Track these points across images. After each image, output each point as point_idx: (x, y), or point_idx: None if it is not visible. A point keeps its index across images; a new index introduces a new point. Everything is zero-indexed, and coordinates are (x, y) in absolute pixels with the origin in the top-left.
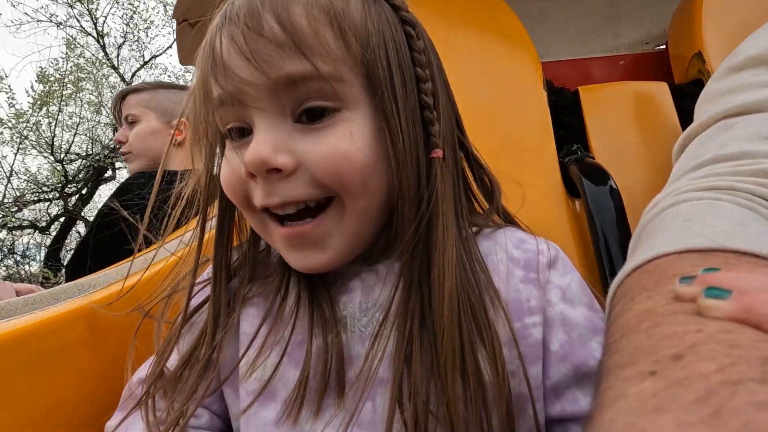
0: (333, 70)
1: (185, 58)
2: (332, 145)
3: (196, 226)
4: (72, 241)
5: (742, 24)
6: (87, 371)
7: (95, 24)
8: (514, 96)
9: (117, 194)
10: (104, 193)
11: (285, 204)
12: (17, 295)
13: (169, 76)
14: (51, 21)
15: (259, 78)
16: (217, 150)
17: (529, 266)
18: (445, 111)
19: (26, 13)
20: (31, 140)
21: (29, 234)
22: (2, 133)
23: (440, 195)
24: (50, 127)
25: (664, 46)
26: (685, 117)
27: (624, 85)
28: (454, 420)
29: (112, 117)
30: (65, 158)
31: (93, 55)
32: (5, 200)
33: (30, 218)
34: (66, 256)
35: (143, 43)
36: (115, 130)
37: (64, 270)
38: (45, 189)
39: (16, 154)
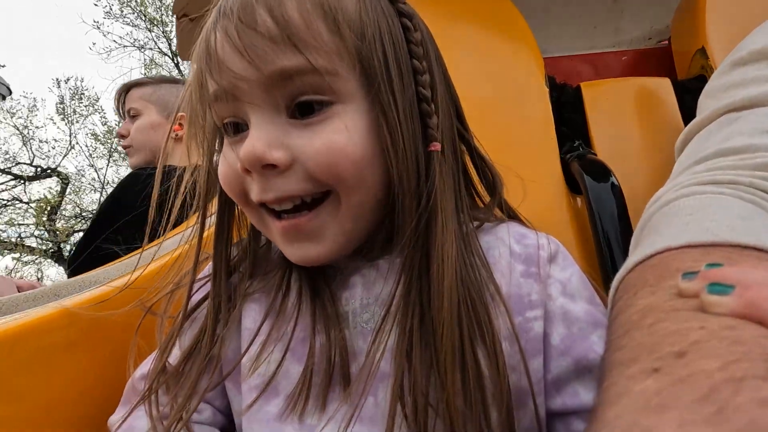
0: (327, 64)
1: (185, 54)
2: (327, 139)
3: (195, 222)
4: None
5: (746, 20)
6: (87, 368)
7: (170, 44)
8: (516, 92)
9: (119, 190)
10: None
11: (281, 199)
12: (18, 291)
13: None
14: (134, 45)
15: (253, 73)
16: (216, 146)
17: (530, 261)
18: (444, 103)
19: (114, 41)
20: (121, 153)
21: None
22: (98, 148)
23: (439, 189)
24: None
25: (666, 42)
26: (688, 113)
27: (626, 81)
28: (453, 414)
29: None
30: None
31: (169, 72)
32: None
33: None
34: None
35: None
36: None
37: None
38: None
39: (107, 165)
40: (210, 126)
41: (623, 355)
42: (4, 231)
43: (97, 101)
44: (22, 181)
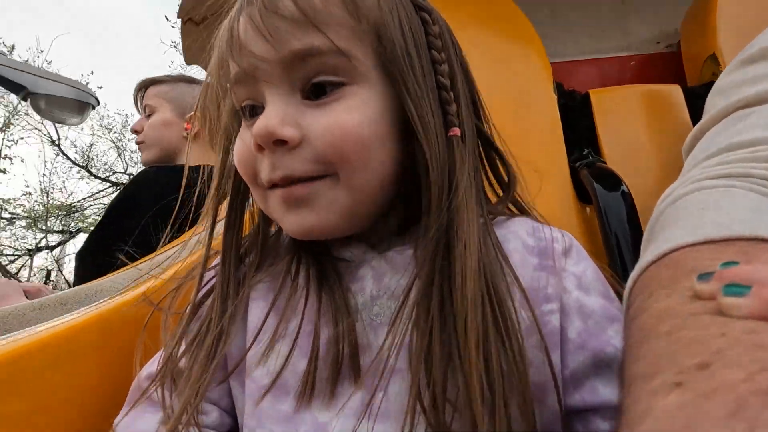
0: (343, 46)
1: (190, 58)
2: (335, 117)
3: (206, 212)
4: None
5: (759, 25)
6: (93, 368)
7: None
8: (524, 99)
9: (129, 188)
10: None
11: (287, 179)
12: (25, 295)
13: None
14: None
15: (272, 53)
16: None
17: (544, 254)
18: (464, 96)
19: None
20: None
21: None
22: None
23: (461, 177)
24: None
25: (675, 46)
26: (699, 120)
27: (636, 88)
28: (475, 409)
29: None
30: None
31: None
32: None
33: None
34: None
35: None
36: None
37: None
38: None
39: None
40: (229, 117)
41: (643, 368)
42: None
43: None
44: (118, 188)
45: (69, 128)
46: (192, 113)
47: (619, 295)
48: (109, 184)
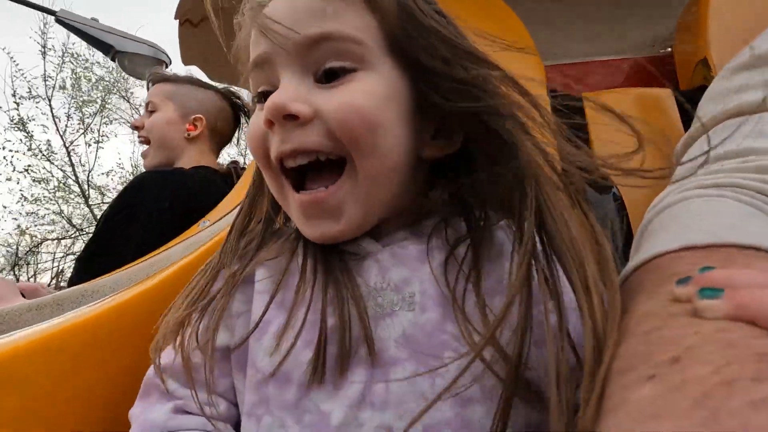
0: (356, 34)
1: (188, 59)
2: (345, 98)
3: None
4: None
5: (749, 31)
6: (94, 380)
7: None
8: None
9: (132, 190)
10: None
11: (296, 151)
12: (22, 295)
13: None
14: None
15: (288, 39)
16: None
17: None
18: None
19: None
20: None
21: None
22: None
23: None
24: None
25: (670, 49)
26: (690, 124)
27: (628, 91)
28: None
29: None
30: None
31: None
32: None
33: None
34: None
35: None
36: None
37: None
38: None
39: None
40: None
41: (619, 364)
42: None
43: None
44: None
45: None
46: (196, 115)
47: None
48: None
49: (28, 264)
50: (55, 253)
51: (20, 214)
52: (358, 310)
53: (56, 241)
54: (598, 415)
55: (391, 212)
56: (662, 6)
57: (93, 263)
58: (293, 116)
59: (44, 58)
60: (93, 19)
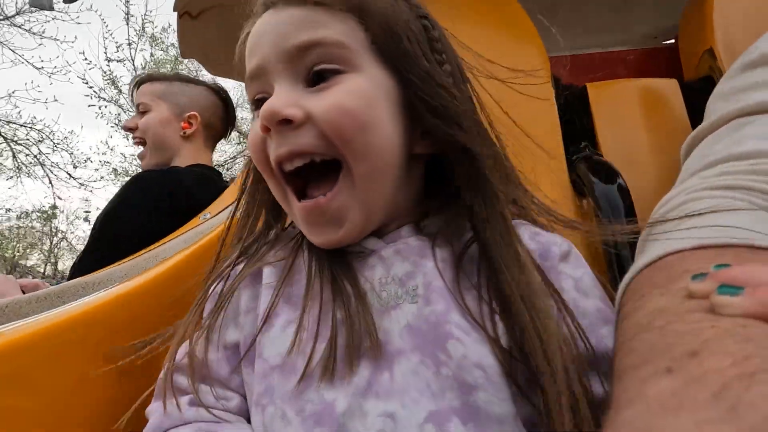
0: (342, 39)
1: (186, 51)
2: (334, 100)
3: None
4: None
5: (755, 19)
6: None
7: None
8: (521, 92)
9: (130, 188)
10: None
11: (292, 154)
12: (22, 291)
13: None
14: None
15: (279, 48)
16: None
17: (544, 256)
18: (464, 96)
19: None
20: None
21: None
22: None
23: (492, 174)
24: None
25: (674, 40)
26: (695, 114)
27: (633, 81)
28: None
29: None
30: None
31: None
32: None
33: None
34: None
35: None
36: None
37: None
38: None
39: None
40: None
41: (635, 359)
42: None
43: None
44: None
45: None
46: (190, 113)
47: (613, 301)
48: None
49: None
50: None
51: None
52: (363, 304)
53: None
54: (613, 409)
55: (392, 213)
56: None
57: (92, 262)
58: (287, 120)
59: (128, 23)
60: None
